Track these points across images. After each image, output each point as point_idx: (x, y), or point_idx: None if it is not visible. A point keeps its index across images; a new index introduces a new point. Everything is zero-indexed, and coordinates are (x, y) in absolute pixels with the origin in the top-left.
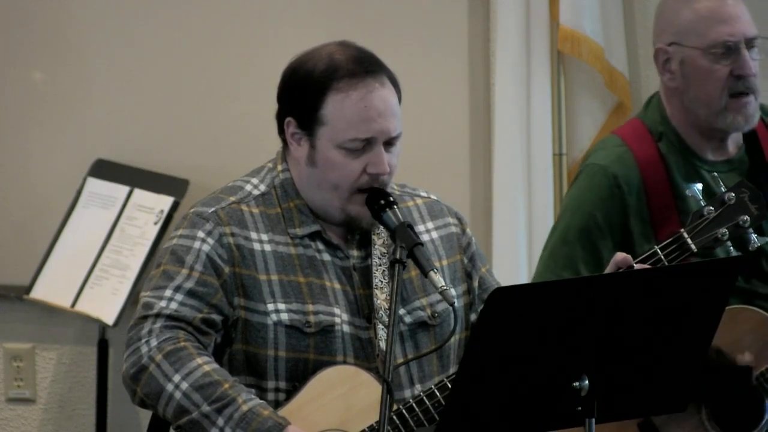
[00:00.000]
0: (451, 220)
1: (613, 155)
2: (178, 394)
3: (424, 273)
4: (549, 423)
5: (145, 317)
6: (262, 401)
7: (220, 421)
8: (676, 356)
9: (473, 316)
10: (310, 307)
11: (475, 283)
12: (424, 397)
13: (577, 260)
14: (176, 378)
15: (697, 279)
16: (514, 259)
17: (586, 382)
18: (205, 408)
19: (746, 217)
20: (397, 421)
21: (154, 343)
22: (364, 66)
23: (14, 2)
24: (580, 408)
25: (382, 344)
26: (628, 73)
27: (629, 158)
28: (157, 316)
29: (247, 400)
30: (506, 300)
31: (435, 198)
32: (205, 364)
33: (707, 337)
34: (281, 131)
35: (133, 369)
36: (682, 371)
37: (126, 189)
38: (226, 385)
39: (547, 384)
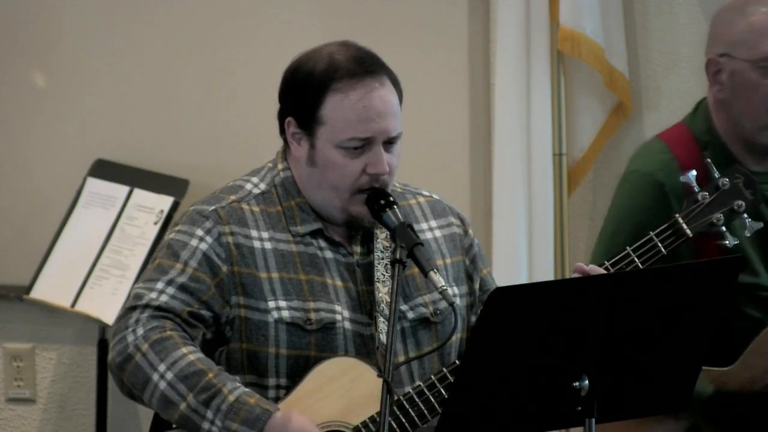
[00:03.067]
0: (453, 220)
1: (659, 162)
2: (162, 384)
3: (424, 273)
4: (549, 423)
5: (133, 307)
6: (247, 389)
7: (209, 414)
8: (677, 356)
9: (473, 318)
10: (311, 305)
11: (476, 285)
12: (424, 388)
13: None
14: (161, 367)
15: (697, 279)
16: (514, 259)
17: (586, 382)
18: (192, 400)
19: (741, 202)
20: (398, 412)
21: (140, 332)
22: (364, 66)
23: (14, 2)
24: (580, 408)
25: (383, 337)
26: (628, 73)
27: (675, 166)
28: (146, 306)
29: (233, 390)
30: (506, 300)
31: (437, 197)
32: (190, 354)
33: (707, 337)
34: (282, 131)
35: (119, 358)
36: (682, 371)
37: (126, 189)
38: (211, 374)
39: (547, 384)
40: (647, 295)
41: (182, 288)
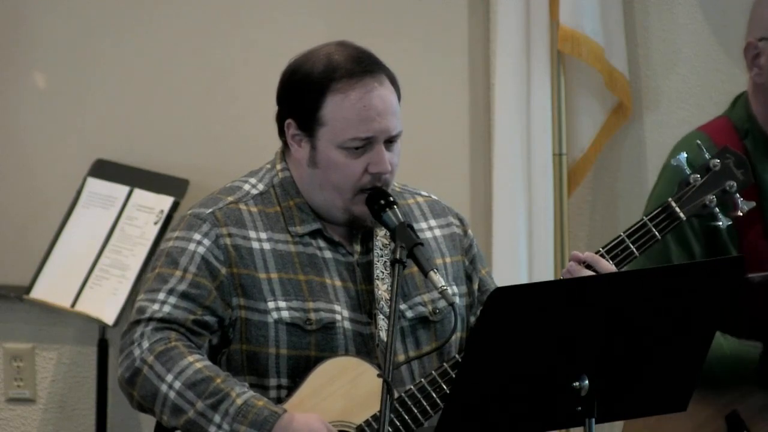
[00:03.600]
0: (453, 220)
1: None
2: (172, 394)
3: (424, 273)
4: (549, 423)
5: (137, 321)
6: (255, 393)
7: (217, 418)
8: (677, 356)
9: (472, 319)
10: (311, 305)
11: (475, 286)
12: (425, 384)
13: (671, 254)
14: (169, 378)
15: (697, 279)
16: (514, 259)
17: (586, 382)
18: (200, 405)
19: (732, 183)
20: (400, 409)
21: (145, 345)
22: (363, 65)
23: (14, 2)
24: (580, 408)
25: (383, 334)
26: (628, 73)
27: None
28: (149, 319)
29: (241, 393)
30: (506, 300)
31: (436, 198)
32: (196, 362)
33: (707, 337)
34: (281, 133)
35: (127, 373)
36: (682, 371)
37: (126, 189)
38: (218, 380)
39: (547, 384)
40: (647, 295)
41: (184, 296)
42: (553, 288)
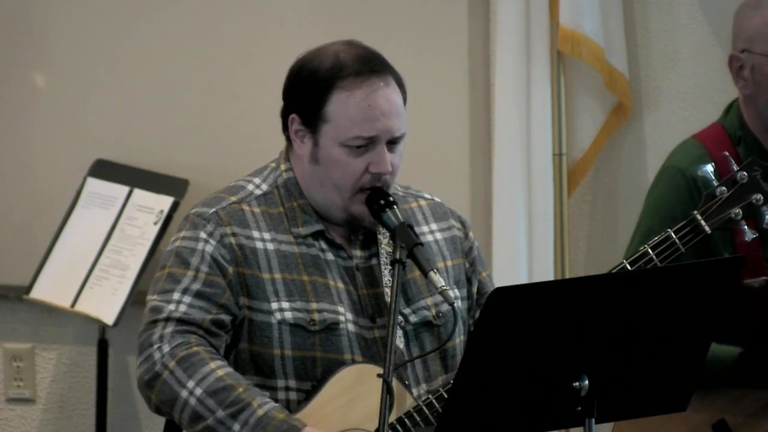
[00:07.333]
0: (454, 223)
1: (692, 157)
2: (192, 401)
3: (424, 273)
4: (549, 423)
5: (155, 321)
6: (276, 404)
7: (236, 427)
8: (676, 356)
9: (471, 322)
10: (314, 305)
11: (474, 288)
12: (434, 400)
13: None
14: (190, 384)
15: (697, 279)
16: (514, 259)
17: (586, 382)
18: (220, 413)
19: (759, 196)
20: (418, 417)
21: (166, 348)
22: (370, 65)
23: (15, 2)
24: (580, 408)
25: None
26: (628, 73)
27: (708, 161)
28: (167, 320)
29: (263, 404)
30: (506, 300)
31: (438, 200)
32: (218, 369)
33: (707, 337)
34: (285, 128)
35: (147, 376)
36: (682, 371)
37: (126, 189)
38: (240, 389)
39: (547, 384)
40: (647, 295)
41: (198, 295)
42: (553, 288)
